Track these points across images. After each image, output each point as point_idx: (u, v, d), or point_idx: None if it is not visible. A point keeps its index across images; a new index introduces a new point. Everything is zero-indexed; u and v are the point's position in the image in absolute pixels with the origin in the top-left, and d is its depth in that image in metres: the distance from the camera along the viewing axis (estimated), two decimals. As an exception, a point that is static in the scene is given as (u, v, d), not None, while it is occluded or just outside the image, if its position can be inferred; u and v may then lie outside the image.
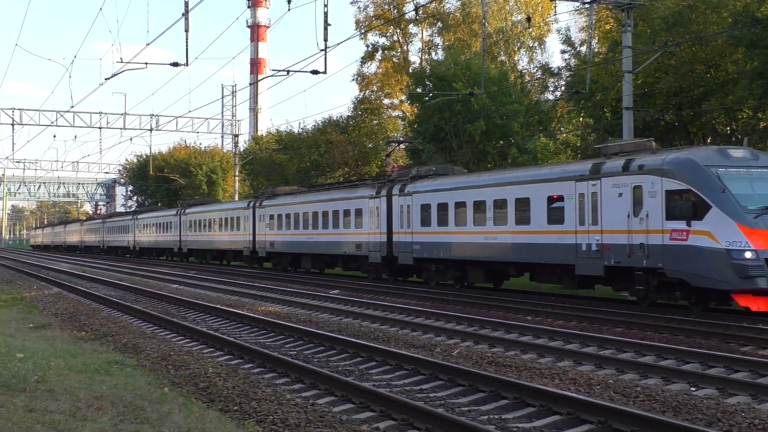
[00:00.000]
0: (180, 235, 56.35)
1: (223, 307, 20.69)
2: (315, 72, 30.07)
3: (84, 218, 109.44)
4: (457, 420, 8.34)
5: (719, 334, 15.53)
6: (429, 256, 28.11)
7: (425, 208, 28.15)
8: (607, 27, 40.34)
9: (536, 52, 56.03)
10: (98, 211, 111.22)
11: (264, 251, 42.44)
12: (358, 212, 32.67)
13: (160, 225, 61.49)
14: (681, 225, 18.33)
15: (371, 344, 13.77)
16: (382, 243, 30.76)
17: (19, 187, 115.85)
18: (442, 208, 27.20)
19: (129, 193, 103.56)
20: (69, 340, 14.88)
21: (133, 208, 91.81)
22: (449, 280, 28.16)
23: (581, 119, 41.64)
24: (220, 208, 51.76)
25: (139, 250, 68.20)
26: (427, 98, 43.68)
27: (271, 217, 41.29)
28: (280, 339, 15.68)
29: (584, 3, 29.59)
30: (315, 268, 38.87)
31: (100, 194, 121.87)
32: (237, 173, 65.47)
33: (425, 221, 28.09)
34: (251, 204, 44.39)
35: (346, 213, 33.71)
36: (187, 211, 55.80)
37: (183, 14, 26.89)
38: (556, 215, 22.23)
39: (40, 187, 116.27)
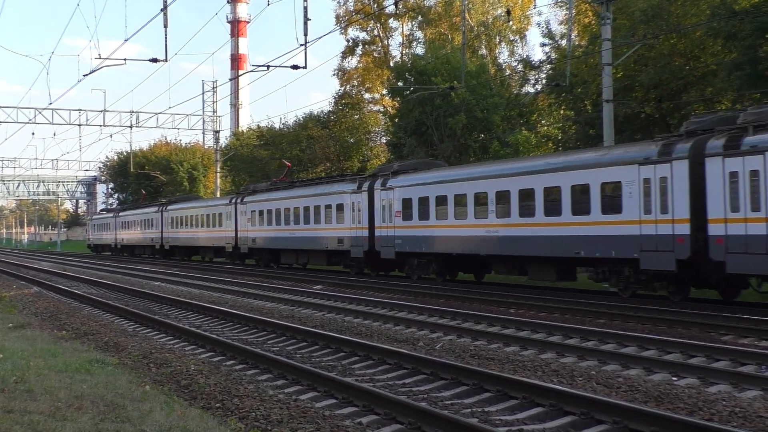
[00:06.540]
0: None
1: (206, 304, 20.59)
2: (295, 67, 30.07)
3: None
4: (440, 414, 8.33)
5: (700, 323, 15.64)
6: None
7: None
8: (586, 20, 40.44)
9: (517, 46, 56.17)
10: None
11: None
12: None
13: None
14: None
15: (354, 339, 13.74)
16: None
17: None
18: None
19: (110, 190, 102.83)
20: (49, 340, 14.72)
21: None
22: (431, 274, 28.15)
23: (562, 112, 41.76)
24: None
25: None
26: (407, 92, 43.65)
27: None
28: (262, 335, 15.63)
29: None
30: (297, 263, 38.73)
31: (81, 192, 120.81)
32: (218, 169, 65.24)
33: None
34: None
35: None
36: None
37: (161, 9, 26.73)
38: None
39: (19, 185, 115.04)
